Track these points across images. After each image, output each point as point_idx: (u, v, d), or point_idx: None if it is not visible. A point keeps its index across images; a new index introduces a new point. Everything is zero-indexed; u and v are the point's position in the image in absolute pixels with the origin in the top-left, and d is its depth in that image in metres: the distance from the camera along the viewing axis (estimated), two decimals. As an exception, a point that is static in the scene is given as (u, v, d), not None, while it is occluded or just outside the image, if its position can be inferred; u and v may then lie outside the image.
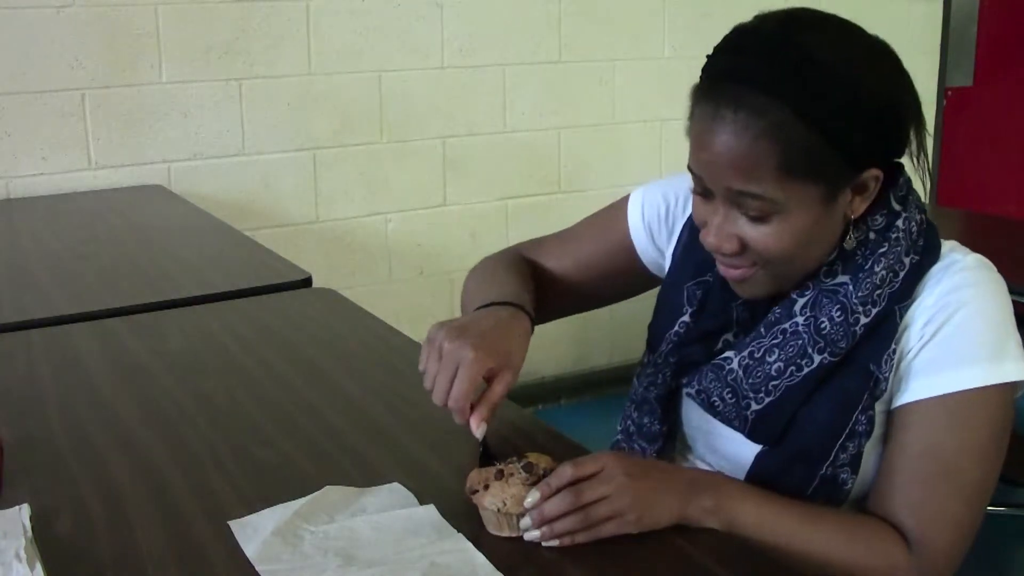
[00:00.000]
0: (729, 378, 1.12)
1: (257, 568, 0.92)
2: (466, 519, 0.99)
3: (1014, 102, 4.21)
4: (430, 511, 1.01)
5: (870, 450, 1.09)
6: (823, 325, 1.07)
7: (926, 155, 1.09)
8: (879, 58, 1.03)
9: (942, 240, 1.11)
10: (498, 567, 0.91)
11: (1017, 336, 1.06)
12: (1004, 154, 4.23)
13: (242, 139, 2.94)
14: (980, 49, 4.20)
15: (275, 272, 1.95)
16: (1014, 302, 1.09)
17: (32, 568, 0.91)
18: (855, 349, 1.07)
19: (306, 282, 1.86)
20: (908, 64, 1.05)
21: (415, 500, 1.03)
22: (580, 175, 3.48)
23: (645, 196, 1.32)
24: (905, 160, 1.10)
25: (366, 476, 1.09)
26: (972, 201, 4.23)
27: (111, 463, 1.15)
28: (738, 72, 1.00)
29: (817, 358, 1.07)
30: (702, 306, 1.18)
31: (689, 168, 1.07)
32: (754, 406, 1.10)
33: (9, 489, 1.08)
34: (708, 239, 1.07)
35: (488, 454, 1.08)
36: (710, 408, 1.15)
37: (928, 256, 1.09)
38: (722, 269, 1.10)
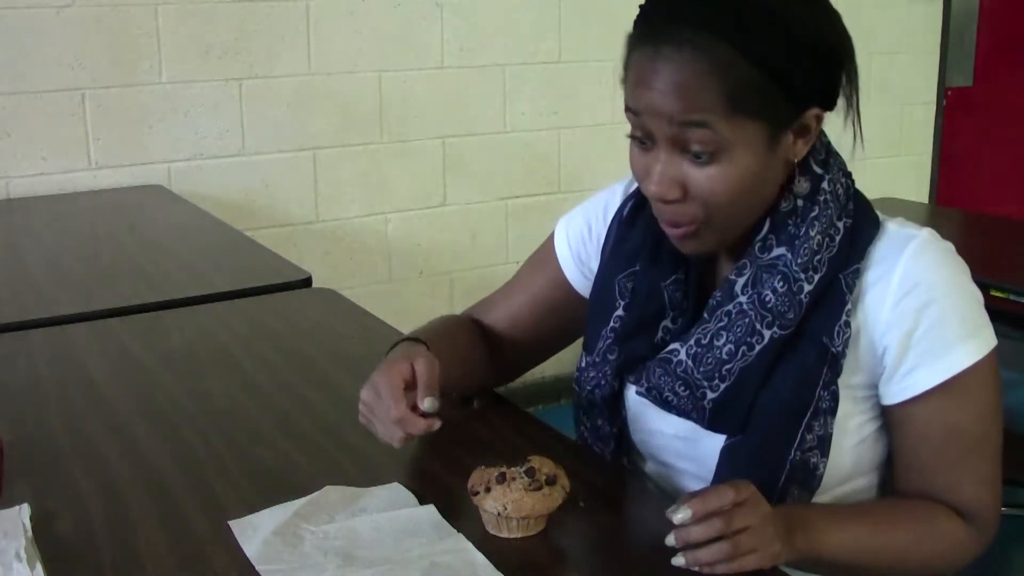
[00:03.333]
0: (679, 370, 1.08)
1: (257, 568, 0.92)
2: (466, 519, 0.99)
3: (1014, 102, 4.20)
4: (430, 511, 1.01)
5: (841, 434, 1.07)
6: (767, 298, 1.04)
7: (858, 107, 1.06)
8: None
9: (886, 217, 1.10)
10: (498, 567, 0.91)
11: (981, 298, 1.08)
12: (1004, 154, 4.23)
13: (242, 139, 2.94)
14: (980, 49, 4.20)
15: (275, 272, 1.95)
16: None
17: (32, 568, 0.91)
18: (805, 320, 1.04)
19: (306, 282, 1.86)
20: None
21: (415, 500, 1.03)
22: (580, 175, 3.48)
23: (568, 225, 1.28)
24: (835, 116, 1.07)
25: (366, 476, 1.10)
26: (972, 201, 4.22)
27: (111, 463, 1.15)
28: (678, 13, 0.99)
29: (767, 333, 1.04)
30: (634, 295, 1.15)
31: (627, 111, 1.03)
32: (710, 395, 1.07)
33: (9, 489, 1.08)
34: (651, 187, 1.03)
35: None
36: (664, 404, 1.11)
37: (863, 222, 1.07)
38: (666, 228, 1.07)
